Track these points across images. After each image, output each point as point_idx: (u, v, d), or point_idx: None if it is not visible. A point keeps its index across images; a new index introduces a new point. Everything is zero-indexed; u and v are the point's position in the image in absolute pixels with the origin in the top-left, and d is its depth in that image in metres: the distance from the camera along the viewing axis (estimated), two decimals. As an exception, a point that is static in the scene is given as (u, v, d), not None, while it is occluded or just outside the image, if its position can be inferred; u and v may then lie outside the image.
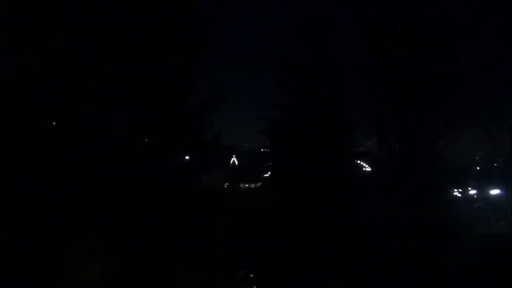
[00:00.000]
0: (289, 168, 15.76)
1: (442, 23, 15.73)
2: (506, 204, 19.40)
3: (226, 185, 28.43)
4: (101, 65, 8.84)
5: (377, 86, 16.63)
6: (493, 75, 15.87)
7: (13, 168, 7.68)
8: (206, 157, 11.59)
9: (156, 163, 9.62)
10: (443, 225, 14.70)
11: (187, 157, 11.50)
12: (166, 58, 9.61)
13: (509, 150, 18.38)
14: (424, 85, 15.51)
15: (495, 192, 22.54)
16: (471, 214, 18.62)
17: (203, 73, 10.85)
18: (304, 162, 15.16)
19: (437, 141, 15.97)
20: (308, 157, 15.17)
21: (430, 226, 14.49)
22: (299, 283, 12.98)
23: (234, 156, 43.37)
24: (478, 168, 27.25)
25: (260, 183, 29.24)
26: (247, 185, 32.00)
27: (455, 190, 20.49)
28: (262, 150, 33.75)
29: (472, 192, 24.42)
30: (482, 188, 23.69)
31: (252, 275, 13.41)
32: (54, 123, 8.75)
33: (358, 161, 21.23)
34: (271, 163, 19.02)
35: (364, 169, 22.36)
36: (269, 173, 23.12)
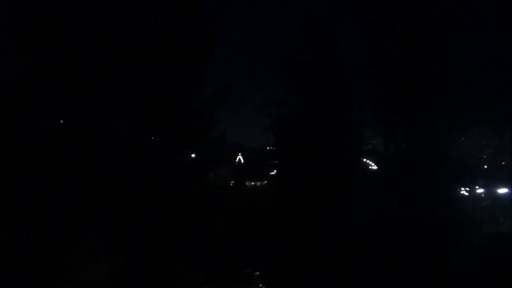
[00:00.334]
0: (294, 166, 15.76)
1: (445, 20, 15.62)
2: (514, 203, 19.25)
3: (231, 183, 28.47)
4: (106, 64, 8.86)
5: (382, 85, 16.55)
6: (498, 73, 15.75)
7: (16, 168, 7.72)
8: (211, 156, 11.62)
9: (161, 162, 9.66)
10: (450, 224, 14.61)
11: (192, 156, 11.53)
12: (171, 58, 9.64)
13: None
14: (429, 83, 15.42)
15: (503, 191, 22.32)
16: (478, 213, 18.43)
17: (207, 72, 10.88)
18: (309, 160, 15.15)
19: (444, 140, 15.86)
20: (313, 155, 15.15)
21: (437, 225, 14.40)
22: (306, 282, 12.98)
23: (239, 154, 43.39)
24: (485, 166, 26.99)
25: (265, 181, 29.24)
26: (252, 183, 32.01)
27: (462, 189, 20.35)
28: (267, 148, 33.75)
29: (480, 191, 24.20)
30: (490, 187, 23.46)
31: (257, 273, 13.42)
32: (60, 123, 8.80)
33: (365, 160, 21.17)
34: (276, 161, 19.03)
35: (370, 167, 22.29)
36: (274, 171, 23.12)
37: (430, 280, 12.39)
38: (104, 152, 8.63)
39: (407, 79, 15.39)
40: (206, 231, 10.37)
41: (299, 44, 16.44)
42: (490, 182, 23.38)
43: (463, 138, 16.78)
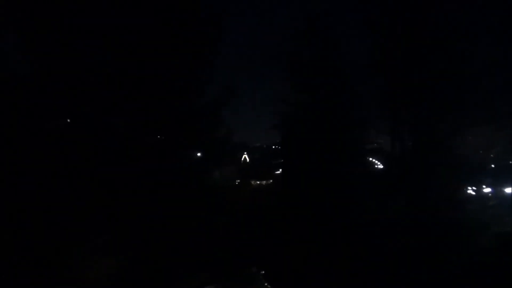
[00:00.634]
0: (299, 165, 15.74)
1: (447, 18, 15.51)
2: (522, 203, 19.06)
3: (237, 182, 28.45)
4: (110, 64, 8.91)
5: (387, 84, 16.48)
6: (501, 73, 15.61)
7: (19, 167, 7.77)
8: (216, 155, 11.65)
9: (166, 161, 9.70)
10: (456, 223, 14.52)
11: (198, 155, 11.57)
12: (175, 58, 9.68)
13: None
14: (435, 82, 15.32)
15: (510, 190, 22.10)
16: (485, 213, 18.29)
17: (211, 72, 10.90)
18: (314, 159, 15.12)
19: (450, 138, 15.76)
20: (318, 154, 15.12)
21: (443, 224, 14.32)
22: (311, 281, 12.96)
23: (245, 153, 43.34)
24: (492, 166, 26.75)
25: (271, 181, 29.17)
26: (258, 182, 31.94)
27: (469, 188, 20.20)
28: (273, 147, 33.71)
29: (487, 190, 24.00)
30: (497, 186, 23.26)
31: (263, 273, 13.42)
32: (65, 122, 8.85)
33: (370, 159, 21.09)
34: (281, 160, 19.01)
35: (376, 166, 22.19)
36: (280, 170, 23.09)
37: (436, 280, 12.32)
38: (108, 151, 8.68)
39: (412, 78, 15.32)
40: (211, 230, 10.40)
41: (301, 43, 16.39)
42: (497, 182, 23.17)
43: (470, 137, 16.65)
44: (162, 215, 9.18)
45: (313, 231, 14.16)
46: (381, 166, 21.86)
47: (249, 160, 43.16)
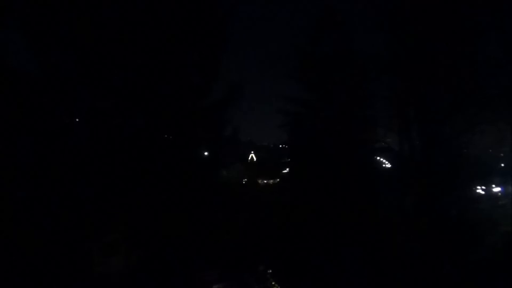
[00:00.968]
0: (307, 163, 15.71)
1: (464, 16, 15.33)
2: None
3: (244, 181, 28.49)
4: (121, 63, 8.94)
5: (398, 81, 16.35)
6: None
7: (33, 165, 7.83)
8: (224, 154, 11.65)
9: (174, 160, 9.72)
10: (466, 222, 14.40)
11: (205, 153, 11.58)
12: (185, 56, 9.69)
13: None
14: (445, 80, 15.18)
15: (520, 190, 21.88)
16: (495, 212, 18.12)
17: (221, 70, 10.88)
18: (322, 158, 15.07)
19: (460, 137, 15.62)
20: (327, 153, 15.07)
21: (453, 223, 14.21)
22: (319, 279, 12.94)
23: (252, 152, 43.38)
24: (502, 165, 26.49)
25: (278, 180, 29.17)
26: (265, 181, 31.96)
27: (479, 187, 20.02)
28: (280, 146, 33.70)
29: (496, 189, 23.79)
30: (507, 185, 23.02)
31: (270, 271, 13.43)
32: (80, 119, 8.91)
33: (378, 158, 20.96)
34: (289, 159, 18.98)
35: (384, 165, 22.08)
36: (287, 169, 23.07)
37: (446, 278, 12.24)
38: (117, 150, 8.73)
39: (422, 77, 15.19)
40: (220, 228, 10.43)
41: (318, 38, 16.30)
42: (507, 181, 22.93)
43: (479, 136, 16.46)
44: (170, 214, 9.21)
45: (321, 230, 14.12)
46: (388, 165, 21.74)
47: (256, 159, 43.20)
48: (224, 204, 10.89)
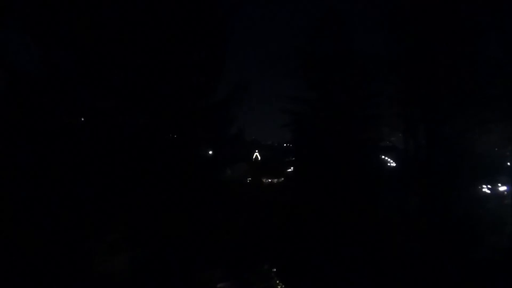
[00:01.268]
0: (311, 162, 15.70)
1: (466, 15, 15.24)
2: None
3: (248, 180, 28.48)
4: (125, 62, 8.97)
5: (403, 80, 16.29)
6: None
7: (37, 164, 7.86)
8: (228, 152, 11.66)
9: (178, 158, 9.74)
10: (471, 222, 14.31)
11: (210, 152, 11.60)
12: (189, 55, 9.70)
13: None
14: (450, 78, 15.10)
15: (527, 189, 21.66)
16: (501, 211, 17.99)
17: (224, 69, 10.89)
18: (327, 157, 15.05)
19: (465, 136, 15.53)
20: (331, 152, 15.05)
21: (458, 223, 14.14)
22: (323, 278, 12.93)
23: (256, 151, 43.38)
24: (508, 163, 26.27)
25: (282, 179, 29.13)
26: (269, 180, 31.94)
27: (485, 186, 19.88)
28: (285, 145, 33.62)
29: (502, 188, 23.60)
30: (513, 184, 22.83)
31: (275, 270, 13.44)
32: (82, 119, 8.95)
33: (382, 156, 20.89)
34: (293, 158, 18.97)
35: (388, 164, 21.99)
36: (291, 168, 23.04)
37: (451, 278, 12.18)
38: (120, 149, 8.75)
39: (426, 75, 15.12)
40: (223, 226, 10.44)
41: (315, 39, 16.30)
42: (514, 180, 22.74)
43: (485, 134, 16.35)
44: (174, 213, 9.23)
45: (325, 229, 14.11)
46: (393, 164, 21.65)
47: (261, 158, 43.19)
48: (227, 203, 10.88)
